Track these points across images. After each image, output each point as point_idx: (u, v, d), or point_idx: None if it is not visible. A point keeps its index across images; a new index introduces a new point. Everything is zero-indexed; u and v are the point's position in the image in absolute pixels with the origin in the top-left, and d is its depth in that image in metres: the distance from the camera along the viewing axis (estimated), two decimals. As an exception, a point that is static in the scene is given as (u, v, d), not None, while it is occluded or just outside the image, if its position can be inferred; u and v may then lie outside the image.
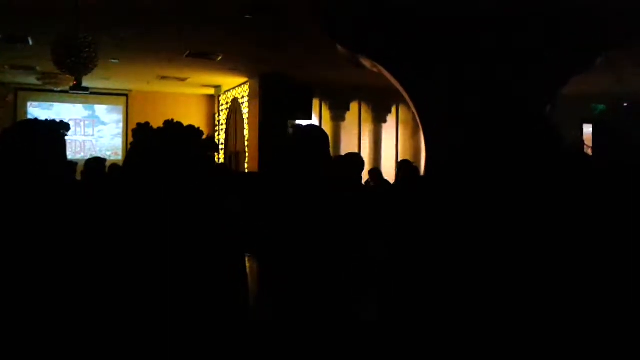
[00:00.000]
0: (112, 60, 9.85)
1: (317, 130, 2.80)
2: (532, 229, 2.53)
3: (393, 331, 2.77)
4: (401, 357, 2.71)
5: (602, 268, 2.35)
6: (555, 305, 2.40)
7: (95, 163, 6.47)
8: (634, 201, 2.44)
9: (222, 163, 12.78)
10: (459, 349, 2.59)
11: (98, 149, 13.84)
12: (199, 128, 2.05)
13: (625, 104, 13.56)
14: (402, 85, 7.00)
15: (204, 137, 2.03)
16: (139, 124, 2.01)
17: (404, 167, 6.89)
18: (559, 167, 2.60)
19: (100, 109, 14.22)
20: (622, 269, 2.32)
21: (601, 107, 13.87)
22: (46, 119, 2.44)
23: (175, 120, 1.98)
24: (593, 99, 13.44)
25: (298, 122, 10.61)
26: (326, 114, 13.00)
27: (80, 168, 6.85)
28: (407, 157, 12.18)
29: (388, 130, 13.60)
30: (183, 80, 12.23)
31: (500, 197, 2.75)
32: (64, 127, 2.31)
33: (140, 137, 1.94)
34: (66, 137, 2.38)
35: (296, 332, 2.29)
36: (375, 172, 8.50)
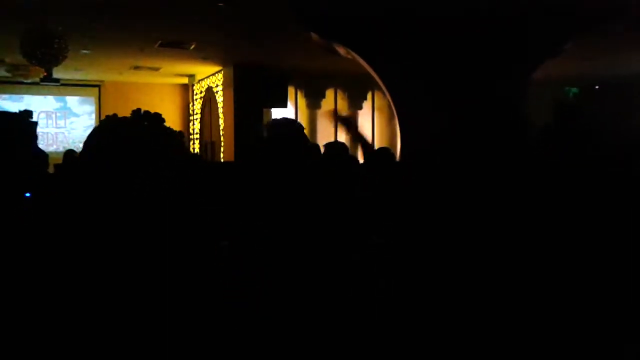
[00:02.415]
0: (83, 51, 9.70)
1: (292, 123, 2.78)
2: (514, 217, 2.55)
3: (391, 328, 2.77)
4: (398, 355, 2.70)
5: (577, 257, 2.39)
6: (549, 302, 2.41)
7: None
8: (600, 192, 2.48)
9: (196, 153, 12.70)
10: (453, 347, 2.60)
11: (70, 141, 13.62)
12: (160, 115, 2.03)
13: (597, 87, 13.76)
14: (376, 72, 7.02)
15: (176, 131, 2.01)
16: (107, 116, 1.99)
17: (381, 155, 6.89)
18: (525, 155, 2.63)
19: (72, 101, 14.00)
20: (591, 258, 2.36)
21: (574, 90, 14.05)
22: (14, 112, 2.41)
23: (143, 110, 1.96)
24: (566, 83, 13.60)
25: (274, 116, 10.59)
26: (302, 102, 12.96)
27: (52, 161, 6.74)
28: (384, 144, 12.24)
29: (364, 117, 13.62)
30: (156, 69, 12.08)
31: (476, 184, 2.78)
32: (26, 115, 2.28)
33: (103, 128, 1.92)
34: (38, 129, 2.36)
35: (294, 329, 2.26)
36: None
